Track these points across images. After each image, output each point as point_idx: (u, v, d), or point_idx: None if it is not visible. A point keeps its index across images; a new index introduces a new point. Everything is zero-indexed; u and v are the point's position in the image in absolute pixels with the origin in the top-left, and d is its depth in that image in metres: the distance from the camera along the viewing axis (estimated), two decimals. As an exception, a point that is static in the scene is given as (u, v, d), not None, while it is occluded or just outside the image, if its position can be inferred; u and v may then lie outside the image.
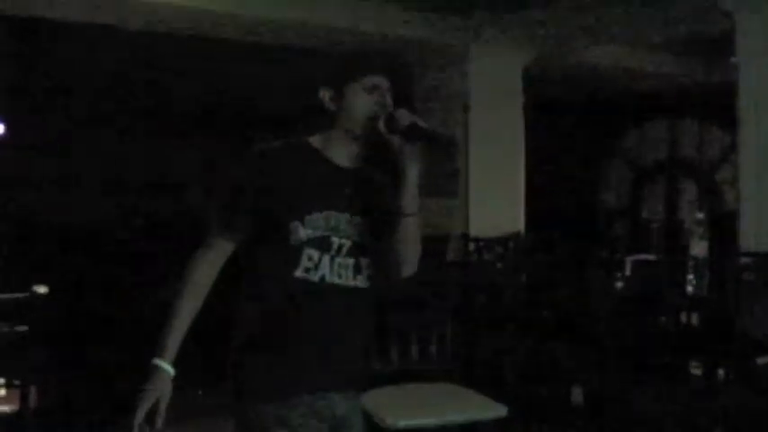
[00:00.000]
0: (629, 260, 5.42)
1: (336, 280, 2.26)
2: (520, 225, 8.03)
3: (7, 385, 3.92)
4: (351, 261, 2.29)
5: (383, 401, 3.60)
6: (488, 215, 7.82)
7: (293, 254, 2.22)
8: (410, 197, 2.23)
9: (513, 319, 5.25)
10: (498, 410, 3.52)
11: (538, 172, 8.55)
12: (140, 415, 2.14)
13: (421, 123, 2.20)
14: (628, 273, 5.35)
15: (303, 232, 2.23)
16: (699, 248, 8.73)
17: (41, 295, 3.84)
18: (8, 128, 9.35)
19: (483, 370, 4.68)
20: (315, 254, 2.24)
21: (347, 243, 2.28)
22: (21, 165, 8.62)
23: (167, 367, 2.20)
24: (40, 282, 3.93)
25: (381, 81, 2.29)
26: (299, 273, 2.23)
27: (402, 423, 3.38)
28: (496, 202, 7.88)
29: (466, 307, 5.31)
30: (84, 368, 5.60)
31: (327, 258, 2.25)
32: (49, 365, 3.93)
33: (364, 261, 2.31)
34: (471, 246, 7.62)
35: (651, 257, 6.06)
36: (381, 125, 2.22)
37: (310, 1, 6.75)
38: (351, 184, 2.32)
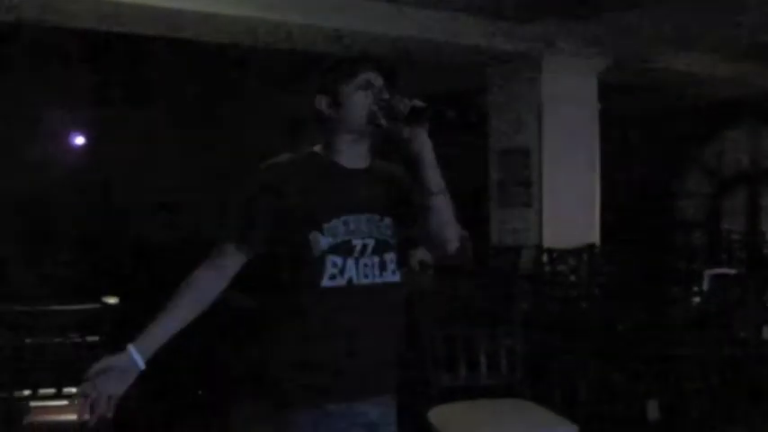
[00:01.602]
0: (707, 274, 5.24)
1: (364, 280, 2.28)
2: (595, 236, 7.86)
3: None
4: (376, 259, 2.30)
5: (450, 417, 3.54)
6: (562, 226, 7.68)
7: (317, 264, 2.24)
8: (433, 175, 2.25)
9: (587, 333, 5.11)
10: (568, 429, 3.42)
11: (614, 182, 8.37)
12: (98, 404, 2.14)
13: (419, 103, 2.20)
14: (705, 287, 5.17)
15: (324, 241, 2.24)
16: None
17: (112, 306, 3.88)
18: (87, 139, 9.59)
19: (555, 385, 4.57)
20: (338, 260, 2.25)
21: (370, 242, 2.30)
22: (96, 176, 8.81)
23: (138, 361, 2.17)
24: (111, 293, 3.97)
25: (374, 77, 2.31)
26: (325, 281, 2.24)
27: (470, 440, 3.32)
28: (571, 213, 7.74)
29: (538, 320, 5.19)
30: (155, 378, 5.68)
31: (352, 261, 2.27)
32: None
33: (388, 256, 2.33)
34: (545, 257, 7.50)
35: (731, 271, 5.85)
36: (380, 117, 2.24)
37: (384, 12, 6.73)
38: (364, 184, 2.33)
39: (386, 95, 2.28)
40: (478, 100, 8.25)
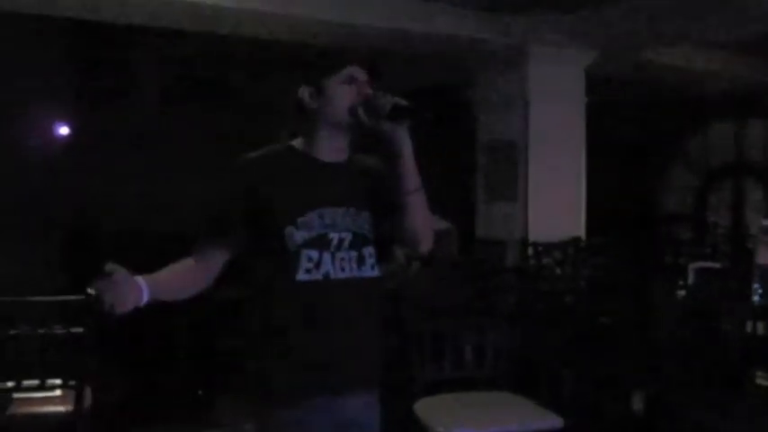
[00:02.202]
0: (692, 267, 5.25)
1: (341, 274, 2.28)
2: (580, 230, 7.87)
3: (63, 386, 3.93)
4: (353, 253, 2.31)
5: (435, 409, 3.55)
6: (548, 219, 7.69)
7: (293, 258, 2.24)
8: (410, 174, 2.26)
9: (572, 326, 5.13)
10: (553, 421, 3.43)
11: (600, 175, 8.37)
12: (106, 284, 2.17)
13: (401, 102, 2.21)
14: (691, 280, 5.18)
15: (298, 235, 2.24)
16: (766, 256, 8.44)
17: (96, 297, 3.83)
18: (73, 129, 9.52)
19: (540, 378, 4.58)
20: (314, 254, 2.25)
21: (347, 236, 2.30)
22: (80, 167, 8.74)
23: (142, 282, 2.22)
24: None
25: (357, 72, 2.31)
26: (301, 275, 2.24)
27: (455, 433, 3.32)
28: (556, 207, 7.74)
29: (523, 313, 5.20)
30: (138, 369, 5.68)
31: (328, 255, 2.27)
32: (103, 367, 3.94)
33: (367, 250, 2.33)
34: (530, 251, 7.51)
35: (715, 265, 5.87)
36: (362, 113, 2.25)
37: (367, 3, 6.69)
38: (341, 178, 2.34)
39: (368, 91, 2.29)
40: (466, 93, 8.24)
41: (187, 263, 2.33)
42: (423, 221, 2.31)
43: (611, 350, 4.70)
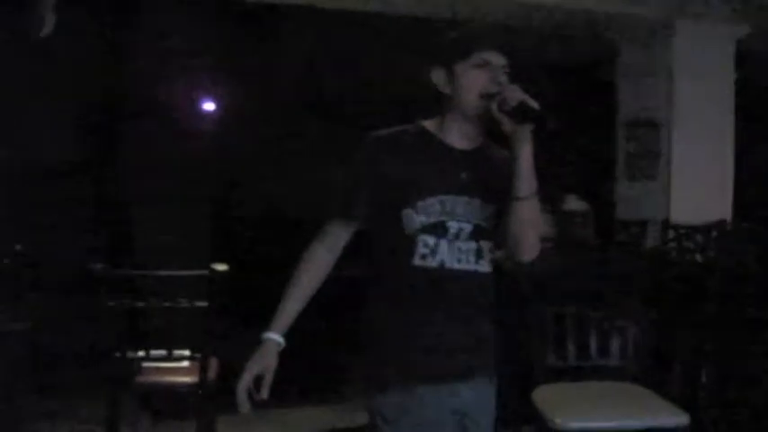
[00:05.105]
0: None
1: (456, 265, 2.22)
2: (727, 213, 7.45)
3: (190, 358, 4.06)
4: (472, 245, 2.23)
5: (554, 399, 3.43)
6: (692, 201, 7.31)
7: (409, 241, 2.19)
8: (523, 179, 2.16)
9: (711, 316, 4.85)
10: (680, 418, 3.25)
11: (750, 156, 7.90)
12: (244, 384, 2.19)
13: (531, 103, 2.10)
14: None
15: (417, 219, 2.18)
16: None
17: (221, 273, 3.94)
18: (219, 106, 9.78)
19: (670, 371, 4.36)
20: (431, 240, 2.19)
21: (467, 227, 2.22)
22: (226, 144, 8.96)
23: (275, 337, 2.24)
24: (221, 260, 4.04)
25: (493, 57, 2.21)
26: (416, 260, 2.20)
27: (572, 424, 3.19)
28: (701, 188, 7.34)
29: (658, 301, 4.96)
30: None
31: (445, 243, 2.20)
32: (225, 339, 4.04)
33: (486, 245, 2.26)
34: (671, 233, 7.17)
35: None
36: (494, 104, 2.14)
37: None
38: (468, 166, 2.25)
39: (502, 78, 2.19)
40: (607, 70, 7.94)
41: (315, 255, 2.31)
42: (530, 231, 2.22)
43: (754, 346, 4.42)
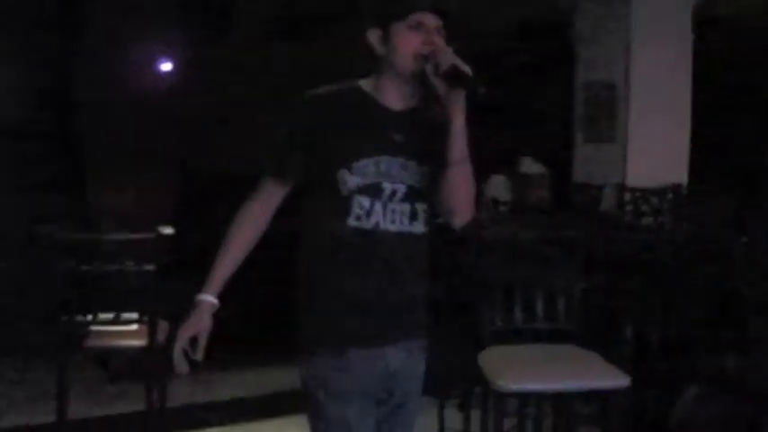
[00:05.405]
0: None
1: (390, 226, 2.21)
2: (683, 177, 7.52)
3: (138, 321, 4.04)
4: (406, 206, 2.22)
5: (499, 359, 3.46)
6: (648, 164, 7.36)
7: (344, 203, 2.18)
8: (457, 144, 2.16)
9: (659, 281, 4.90)
10: (620, 380, 3.28)
11: (706, 120, 7.95)
12: (178, 347, 2.18)
13: (463, 67, 2.08)
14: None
15: (352, 181, 2.17)
16: None
17: (167, 236, 3.91)
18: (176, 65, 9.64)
19: (614, 334, 4.40)
20: (366, 201, 2.18)
21: (401, 188, 2.21)
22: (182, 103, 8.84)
23: (209, 298, 2.22)
24: (167, 223, 4.01)
25: (428, 18, 2.17)
26: (351, 221, 2.18)
27: (512, 386, 3.22)
28: (658, 151, 7.39)
29: (611, 263, 4.99)
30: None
31: (380, 205, 2.19)
32: (174, 302, 4.02)
33: (421, 206, 2.25)
34: (627, 196, 7.23)
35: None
36: (428, 67, 2.13)
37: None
38: (403, 127, 2.23)
39: (435, 40, 2.16)
40: (565, 31, 7.93)
41: (249, 214, 2.29)
42: (462, 196, 2.22)
43: (698, 311, 4.48)
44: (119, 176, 7.62)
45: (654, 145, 7.36)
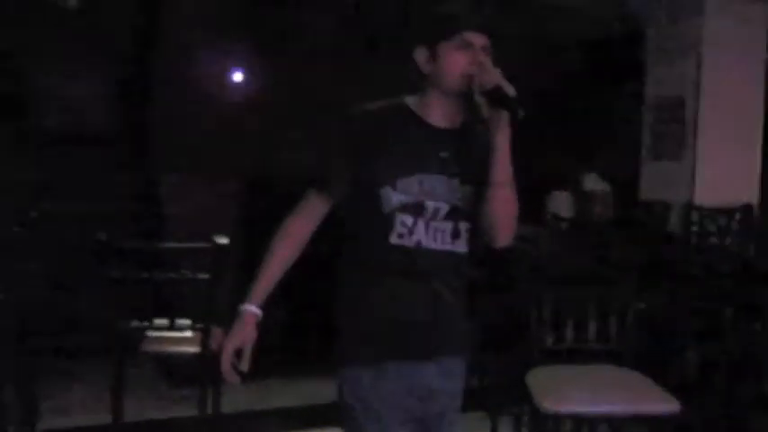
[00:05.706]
0: None
1: (432, 245, 2.21)
2: (753, 198, 7.32)
3: (191, 328, 4.11)
4: (449, 225, 2.23)
5: (546, 382, 3.42)
6: (717, 183, 7.19)
7: (387, 220, 2.19)
8: (500, 165, 2.15)
9: (723, 302, 4.77)
10: (670, 405, 3.21)
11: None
12: (225, 359, 2.20)
13: (506, 88, 2.08)
14: None
15: (395, 198, 2.18)
16: None
17: (222, 245, 3.98)
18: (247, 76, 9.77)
19: (671, 358, 4.31)
20: (408, 219, 2.19)
21: (444, 207, 2.21)
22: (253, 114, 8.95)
23: (252, 309, 2.23)
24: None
25: (476, 38, 2.17)
26: (393, 239, 2.19)
27: (558, 409, 3.18)
28: (727, 170, 7.21)
29: (668, 285, 4.89)
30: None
31: (422, 223, 2.20)
32: (228, 311, 4.08)
33: (464, 225, 2.25)
34: (694, 215, 7.07)
35: None
36: (475, 85, 2.13)
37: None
38: (448, 146, 2.23)
39: (482, 59, 2.16)
40: (634, 47, 7.81)
41: (291, 227, 2.30)
42: (504, 217, 2.21)
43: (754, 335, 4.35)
44: (187, 185, 7.74)
45: (723, 163, 7.18)
